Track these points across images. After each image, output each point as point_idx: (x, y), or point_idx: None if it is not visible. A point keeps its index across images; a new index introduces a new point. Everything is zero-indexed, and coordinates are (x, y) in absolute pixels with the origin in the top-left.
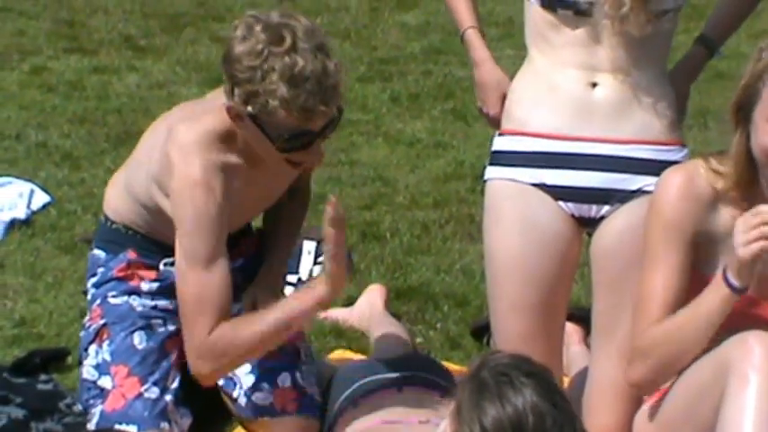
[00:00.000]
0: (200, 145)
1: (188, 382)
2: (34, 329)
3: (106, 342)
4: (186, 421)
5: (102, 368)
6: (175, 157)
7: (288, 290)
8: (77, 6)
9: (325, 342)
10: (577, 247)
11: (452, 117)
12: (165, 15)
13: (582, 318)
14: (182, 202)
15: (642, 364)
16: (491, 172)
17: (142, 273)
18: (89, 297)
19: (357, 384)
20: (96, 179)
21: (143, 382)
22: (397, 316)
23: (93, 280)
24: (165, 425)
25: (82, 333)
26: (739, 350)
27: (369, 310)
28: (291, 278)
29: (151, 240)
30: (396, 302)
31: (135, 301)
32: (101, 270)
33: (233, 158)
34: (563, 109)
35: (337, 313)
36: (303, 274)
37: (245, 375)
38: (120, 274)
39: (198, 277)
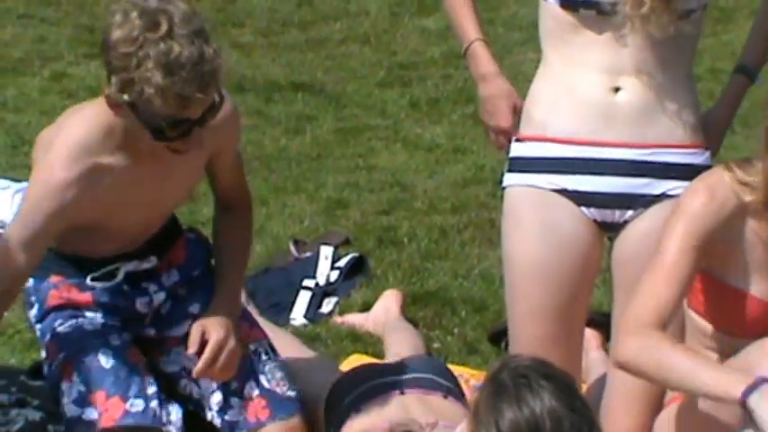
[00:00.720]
0: (77, 148)
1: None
2: None
3: (74, 374)
4: (178, 415)
5: (81, 401)
6: (55, 149)
7: (305, 294)
8: (98, 13)
9: (342, 346)
10: (599, 251)
11: (472, 122)
12: None
13: (601, 323)
14: (32, 187)
15: (629, 354)
16: (510, 179)
17: (76, 297)
18: (37, 333)
19: (359, 389)
20: None
21: (124, 399)
22: (414, 321)
23: (33, 313)
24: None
25: (45, 371)
26: (761, 355)
27: (384, 315)
28: (308, 282)
29: (64, 256)
30: (413, 307)
31: (84, 322)
32: (34, 299)
33: (110, 159)
34: (584, 113)
35: (354, 318)
36: (320, 278)
37: (212, 395)
38: (56, 303)
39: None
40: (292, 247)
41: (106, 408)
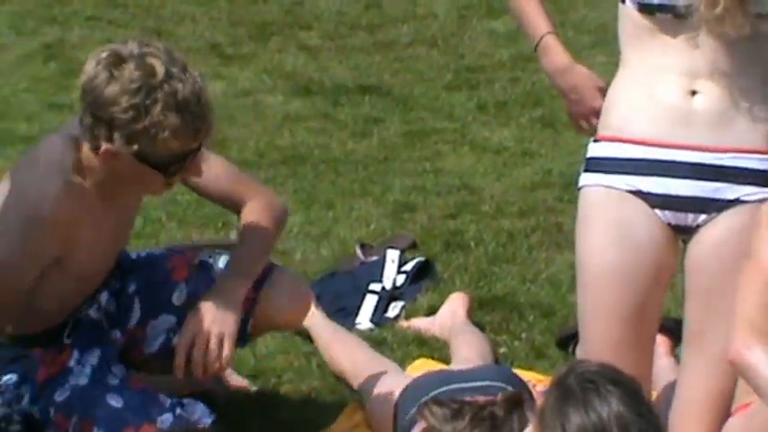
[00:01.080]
0: (62, 164)
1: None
2: None
3: (95, 428)
4: (202, 407)
5: None
6: (40, 162)
7: (371, 298)
8: (165, 15)
9: (408, 351)
10: (673, 255)
11: (540, 125)
12: (253, 23)
13: (671, 329)
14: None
15: (753, 360)
16: (586, 179)
17: (61, 360)
18: (37, 415)
19: (427, 397)
20: (180, 186)
21: (152, 422)
22: (480, 326)
23: (25, 400)
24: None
25: None
26: None
27: (451, 319)
28: (375, 286)
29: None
30: (479, 312)
31: (75, 379)
32: (24, 390)
33: (86, 194)
34: (661, 116)
35: (420, 322)
36: (387, 282)
37: None
38: (46, 377)
39: None
40: (359, 251)
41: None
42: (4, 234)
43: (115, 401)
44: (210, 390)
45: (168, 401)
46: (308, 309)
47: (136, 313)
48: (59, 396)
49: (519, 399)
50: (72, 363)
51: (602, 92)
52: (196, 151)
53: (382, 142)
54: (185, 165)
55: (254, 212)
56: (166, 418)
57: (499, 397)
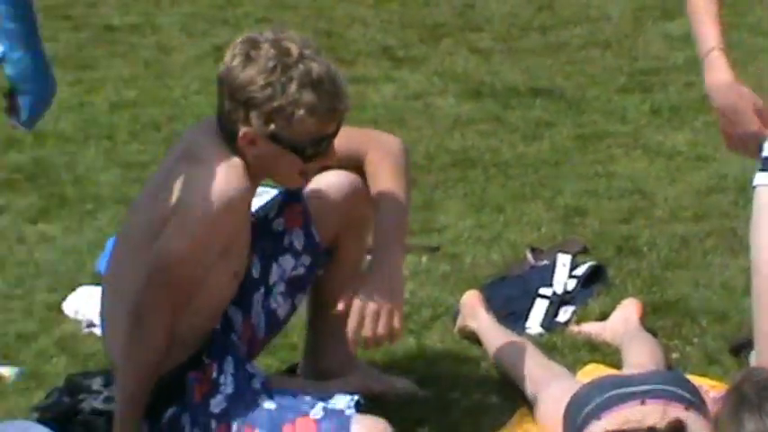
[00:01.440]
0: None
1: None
2: None
3: (257, 430)
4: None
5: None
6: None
7: (542, 303)
8: (336, 17)
9: (579, 356)
10: None
11: (715, 130)
12: (424, 26)
13: None
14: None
15: None
16: (760, 178)
17: (208, 375)
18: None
19: (600, 398)
20: None
21: (306, 414)
22: (652, 331)
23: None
24: None
25: None
26: None
27: (623, 324)
28: (545, 291)
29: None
30: (652, 317)
31: (224, 390)
32: (185, 420)
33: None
34: None
35: (591, 327)
36: (557, 287)
37: None
38: (201, 396)
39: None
40: (529, 255)
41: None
42: (183, 227)
43: (268, 404)
44: (380, 393)
45: (310, 395)
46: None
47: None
48: (216, 408)
49: (681, 427)
50: (215, 375)
51: (760, 114)
52: (332, 136)
53: (553, 145)
54: (322, 149)
55: (378, 171)
56: (317, 411)
57: (663, 425)
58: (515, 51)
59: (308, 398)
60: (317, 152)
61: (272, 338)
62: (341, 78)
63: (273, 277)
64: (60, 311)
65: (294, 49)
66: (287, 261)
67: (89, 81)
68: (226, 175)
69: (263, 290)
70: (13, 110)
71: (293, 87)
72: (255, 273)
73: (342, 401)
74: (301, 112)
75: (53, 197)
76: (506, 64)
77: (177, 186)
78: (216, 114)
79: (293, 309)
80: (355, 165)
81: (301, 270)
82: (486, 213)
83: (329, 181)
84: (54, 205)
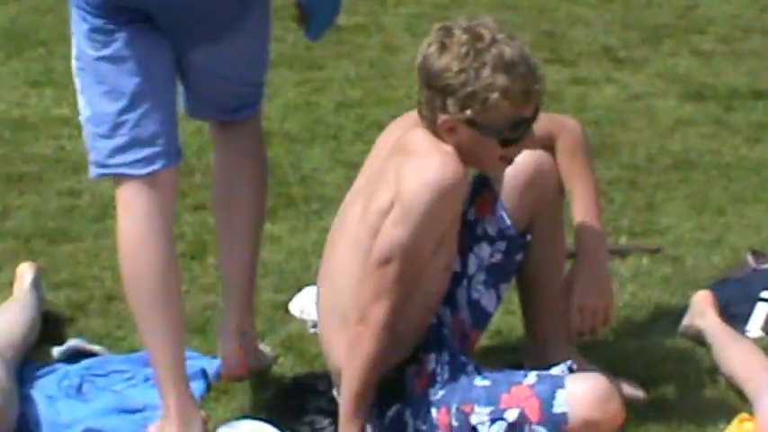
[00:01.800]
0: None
1: None
2: None
3: (475, 405)
4: None
5: (500, 413)
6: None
7: (763, 306)
8: (558, 18)
9: None
10: None
11: None
12: (646, 27)
13: None
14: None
15: None
16: None
17: (426, 368)
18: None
19: None
20: None
21: (520, 383)
22: None
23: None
24: None
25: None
26: None
27: None
28: (767, 294)
29: None
30: None
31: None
32: (407, 416)
33: None
34: None
35: None
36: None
37: None
38: (421, 386)
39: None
40: (750, 258)
41: (522, 399)
42: (404, 217)
43: (481, 381)
44: None
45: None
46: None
47: (445, 306)
48: (434, 396)
49: None
50: (432, 367)
51: None
52: (530, 121)
53: None
54: (520, 133)
55: (573, 162)
56: (531, 377)
57: None
58: (738, 53)
59: (521, 371)
60: (515, 136)
61: (481, 334)
62: (535, 61)
63: (472, 268)
64: (286, 311)
65: (486, 34)
66: (483, 249)
67: (316, 81)
68: (441, 163)
69: (465, 282)
70: (301, 20)
71: (486, 72)
72: (456, 266)
73: (556, 369)
74: (495, 95)
75: (280, 197)
76: (728, 66)
77: (393, 179)
78: (417, 106)
79: (498, 300)
80: (542, 147)
81: (498, 257)
82: (707, 215)
83: (515, 164)
84: (281, 205)
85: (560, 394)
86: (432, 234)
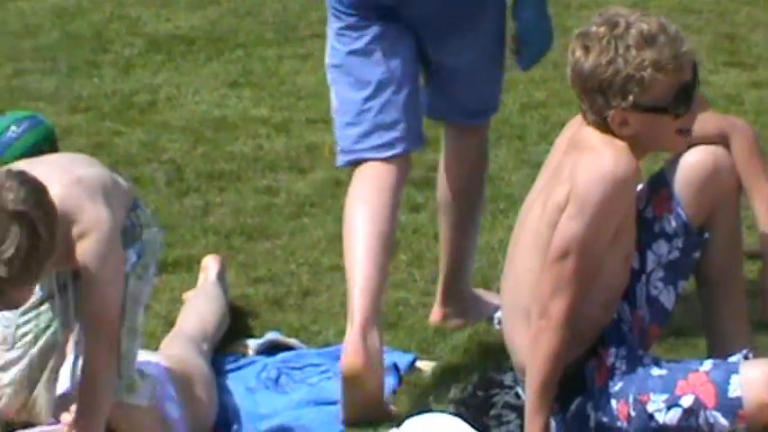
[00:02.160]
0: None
1: None
2: None
3: (651, 394)
4: None
5: (675, 399)
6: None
7: None
8: (739, 20)
9: None
10: None
11: None
12: None
13: None
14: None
15: None
16: None
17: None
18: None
19: None
20: None
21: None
22: None
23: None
24: None
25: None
26: None
27: None
28: None
29: None
30: None
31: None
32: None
33: None
34: None
35: None
36: None
37: None
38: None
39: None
40: None
41: (698, 385)
42: (581, 211)
43: (658, 371)
44: None
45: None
46: None
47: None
48: (613, 388)
49: None
50: (611, 360)
51: None
52: (692, 86)
53: None
54: (688, 100)
55: (749, 166)
56: (707, 365)
57: None
58: None
59: (698, 360)
60: (683, 105)
61: (660, 330)
62: (675, 27)
63: (650, 265)
64: None
65: (621, 20)
66: (660, 246)
67: None
68: (614, 157)
69: (643, 279)
70: (517, 53)
71: (633, 53)
72: (635, 264)
73: (732, 358)
74: (649, 71)
75: None
76: None
77: (568, 175)
78: (581, 116)
79: (677, 296)
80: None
81: (676, 254)
82: None
83: (691, 160)
84: None
85: (735, 379)
86: (607, 227)
